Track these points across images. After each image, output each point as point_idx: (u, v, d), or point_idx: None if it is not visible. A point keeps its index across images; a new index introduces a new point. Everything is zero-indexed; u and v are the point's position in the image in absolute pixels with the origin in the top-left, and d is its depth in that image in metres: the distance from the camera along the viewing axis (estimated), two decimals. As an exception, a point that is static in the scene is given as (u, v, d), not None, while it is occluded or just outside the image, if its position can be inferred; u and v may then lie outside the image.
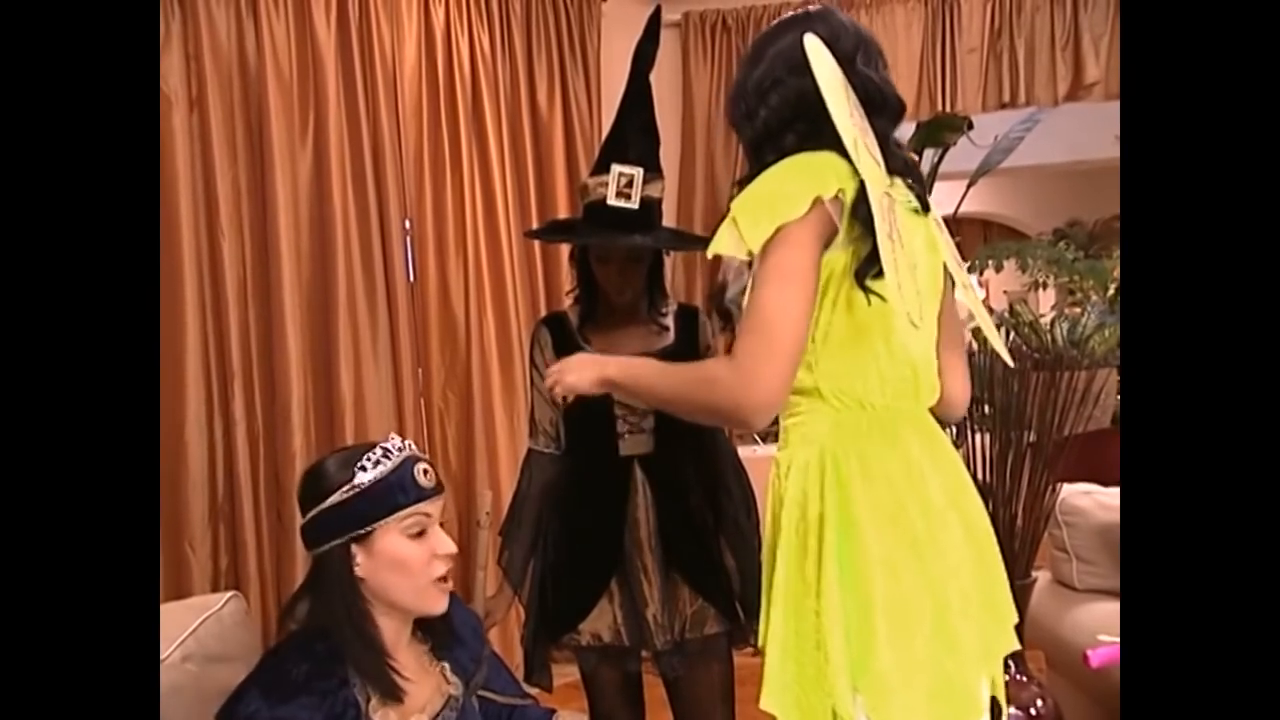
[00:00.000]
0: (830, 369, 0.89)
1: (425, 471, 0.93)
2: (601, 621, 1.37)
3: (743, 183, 0.91)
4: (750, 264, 0.84)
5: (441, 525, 0.94)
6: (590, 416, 1.41)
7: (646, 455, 1.39)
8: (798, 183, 0.84)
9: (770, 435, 3.23)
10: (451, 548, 0.93)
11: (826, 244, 0.85)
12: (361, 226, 2.17)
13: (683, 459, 1.43)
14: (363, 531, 0.89)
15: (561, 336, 1.44)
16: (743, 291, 0.84)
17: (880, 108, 0.90)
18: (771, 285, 0.82)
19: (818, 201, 0.83)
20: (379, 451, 0.91)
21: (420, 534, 0.91)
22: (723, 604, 1.39)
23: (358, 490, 0.89)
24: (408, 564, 0.89)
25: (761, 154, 0.92)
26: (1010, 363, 0.98)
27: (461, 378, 2.30)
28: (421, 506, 0.92)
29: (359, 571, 0.90)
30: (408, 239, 2.28)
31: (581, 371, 1.00)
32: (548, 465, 1.44)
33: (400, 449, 0.93)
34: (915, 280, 0.87)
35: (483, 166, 2.29)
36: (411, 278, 2.28)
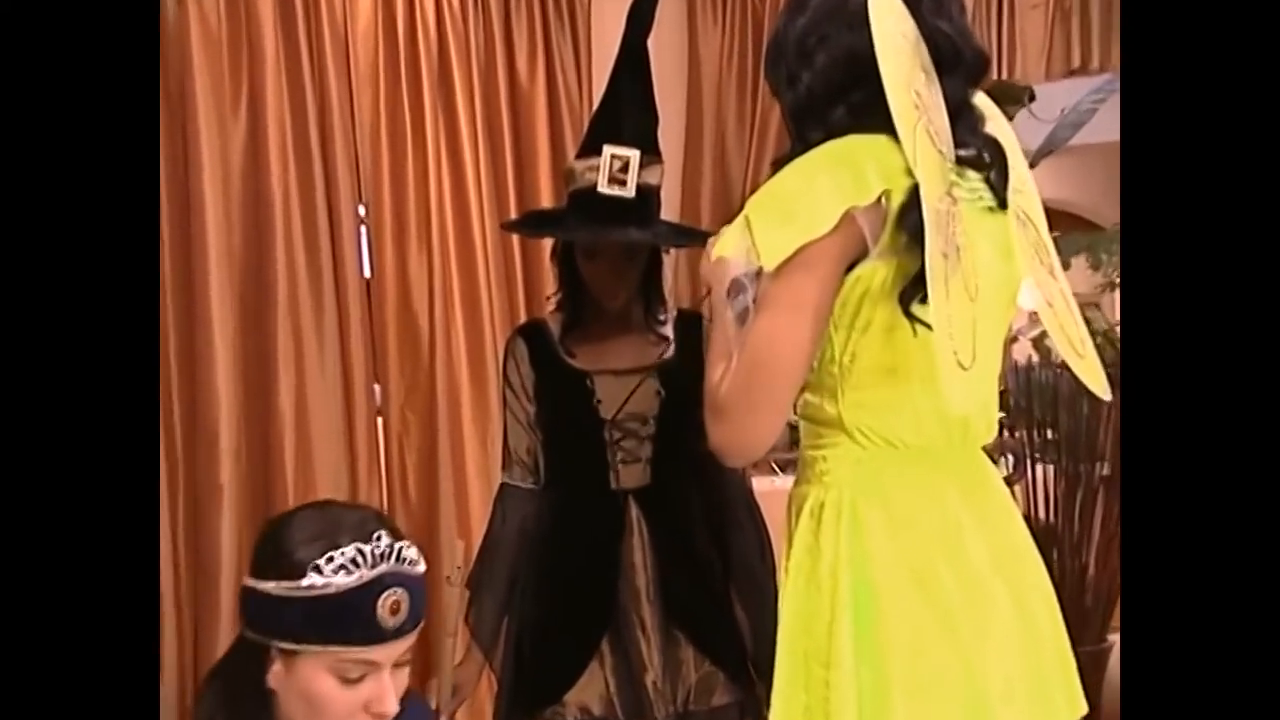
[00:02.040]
0: (858, 400, 0.89)
1: (395, 606, 0.81)
2: (591, 690, 1.36)
3: (779, 163, 0.90)
4: (752, 271, 0.85)
5: (402, 667, 0.84)
6: (577, 443, 1.42)
7: (643, 488, 1.40)
8: (830, 184, 0.83)
9: (791, 465, 3.19)
10: (391, 707, 0.80)
11: (853, 262, 0.86)
12: (305, 213, 2.16)
13: (686, 493, 1.43)
14: (287, 646, 0.79)
15: (540, 349, 1.45)
16: (745, 311, 0.86)
17: (953, 66, 0.87)
18: (782, 316, 0.83)
19: (849, 213, 0.82)
20: (351, 551, 0.80)
21: (358, 679, 0.80)
22: (734, 667, 1.40)
23: (300, 593, 0.78)
24: (323, 709, 0.79)
25: (804, 129, 0.90)
26: (1106, 395, 0.93)
27: (425, 396, 2.30)
28: (370, 652, 0.80)
29: (271, 681, 0.82)
30: (362, 228, 2.29)
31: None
32: (525, 502, 1.45)
33: (380, 556, 0.82)
34: (973, 308, 0.86)
35: (451, 144, 2.29)
36: (366, 274, 2.29)
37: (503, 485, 1.47)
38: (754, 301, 0.85)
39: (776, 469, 2.74)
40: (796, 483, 0.96)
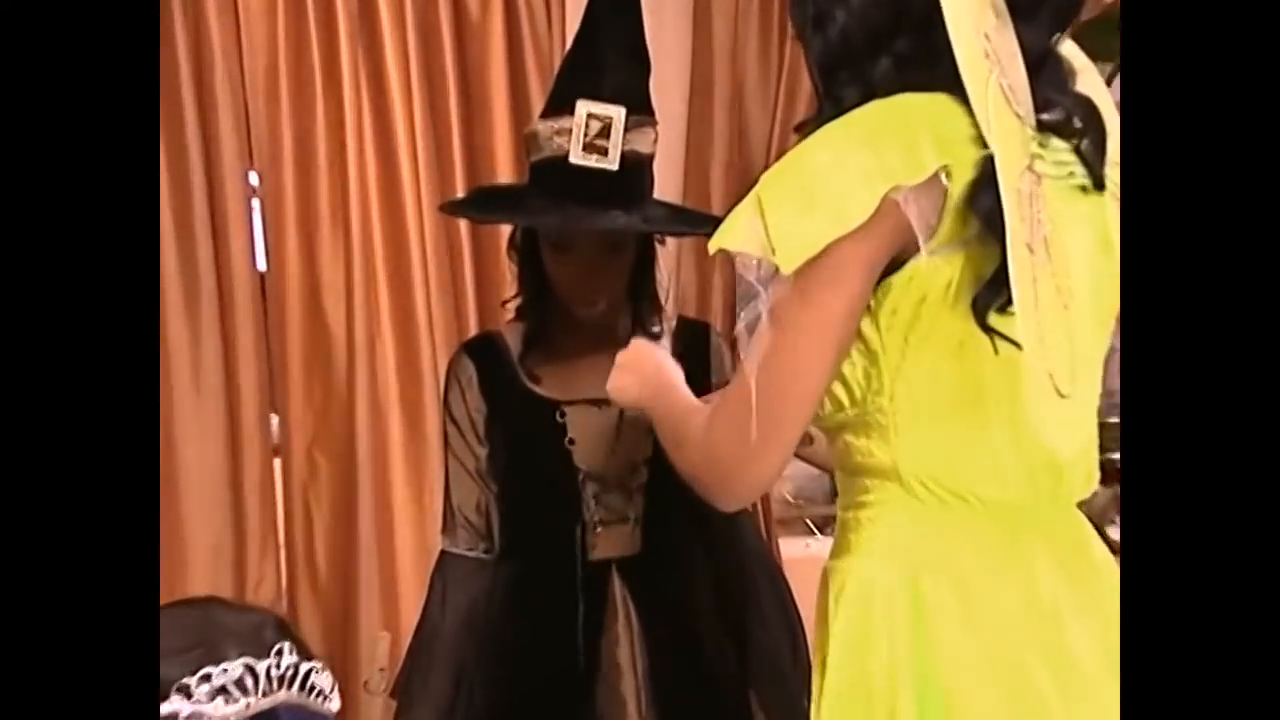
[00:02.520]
0: (918, 442, 0.89)
1: None
2: (560, 837, 1.41)
3: (805, 129, 0.92)
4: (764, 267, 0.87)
5: None
6: (543, 497, 1.44)
7: (632, 559, 1.42)
8: (869, 159, 0.83)
9: (831, 524, 3.16)
10: None
11: (896, 262, 0.87)
12: (176, 185, 2.17)
13: (689, 564, 1.46)
14: None
15: (494, 372, 1.47)
16: (757, 320, 0.87)
17: (1033, 6, 0.86)
18: (801, 335, 0.85)
19: (891, 198, 0.83)
20: (238, 669, 0.75)
21: None
22: None
23: None
24: None
25: (836, 85, 0.91)
26: None
27: (340, 430, 2.31)
28: None
29: None
30: (254, 206, 2.28)
31: (631, 374, 1.14)
32: (473, 577, 1.47)
33: (279, 680, 0.78)
34: (1068, 316, 0.86)
35: (376, 97, 2.30)
36: (261, 267, 2.29)
37: (443, 554, 1.49)
38: (767, 312, 0.86)
39: (813, 529, 2.76)
40: (834, 553, 0.96)
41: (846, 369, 0.90)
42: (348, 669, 2.18)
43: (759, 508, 2.31)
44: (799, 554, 2.52)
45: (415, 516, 2.30)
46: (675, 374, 1.14)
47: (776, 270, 0.85)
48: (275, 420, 2.32)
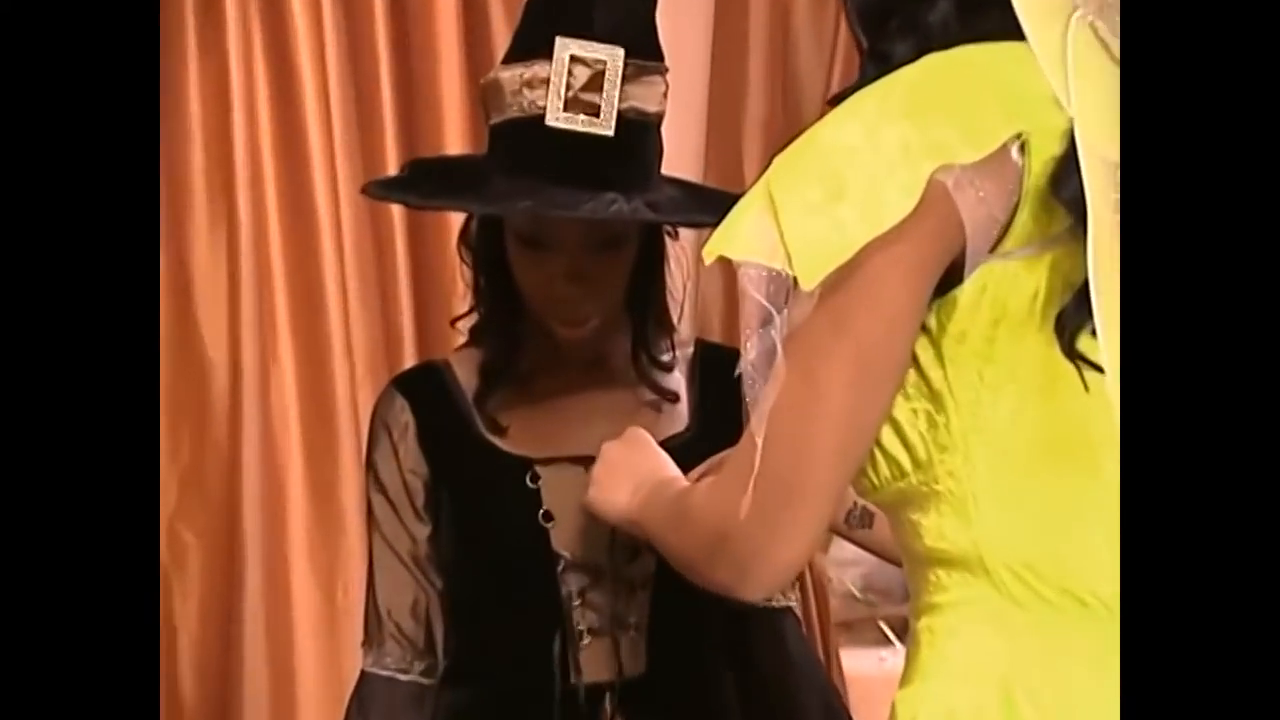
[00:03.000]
0: (1007, 518, 0.92)
1: None
2: None
3: (837, 101, 0.94)
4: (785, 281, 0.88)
5: None
6: (507, 596, 1.45)
7: (631, 683, 1.42)
8: (910, 133, 0.87)
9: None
10: None
11: (959, 269, 0.89)
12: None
13: (709, 688, 1.45)
14: None
15: (439, 417, 1.47)
16: (770, 356, 0.90)
17: None
18: (832, 370, 0.89)
19: (939, 181, 0.86)
20: None
21: None
22: None
23: None
24: None
25: (882, 39, 0.96)
26: None
27: (216, 497, 2.32)
28: None
29: None
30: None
31: (624, 479, 1.20)
32: (405, 708, 1.47)
33: None
34: None
35: (271, 33, 2.34)
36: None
37: (364, 676, 1.49)
38: (783, 341, 0.89)
39: (890, 635, 2.76)
40: (905, 677, 0.97)
41: (903, 417, 0.92)
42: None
43: (812, 605, 2.30)
44: (870, 670, 2.53)
45: (323, 621, 2.31)
46: (671, 468, 1.22)
47: (795, 286, 0.88)
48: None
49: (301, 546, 2.32)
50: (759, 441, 0.90)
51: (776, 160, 0.92)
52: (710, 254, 0.92)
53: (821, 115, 0.94)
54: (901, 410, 0.91)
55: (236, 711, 2.26)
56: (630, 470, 1.22)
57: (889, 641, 2.74)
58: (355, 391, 2.31)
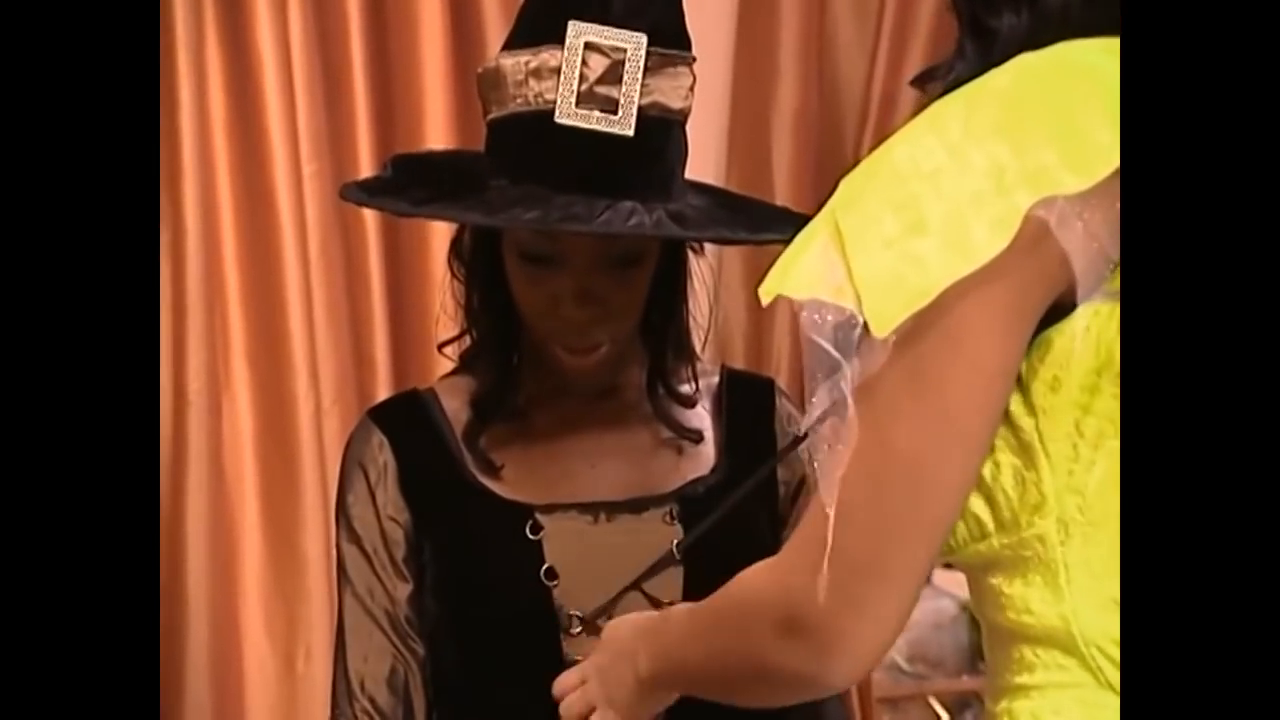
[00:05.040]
0: (1103, 594, 0.91)
1: None
2: None
3: (928, 81, 0.94)
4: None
5: None
6: (502, 665, 1.44)
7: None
8: (1005, 156, 0.86)
9: (970, 705, 3.20)
10: None
11: (1058, 309, 0.90)
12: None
13: None
14: None
15: (423, 456, 1.48)
16: (839, 410, 0.89)
17: None
18: (914, 429, 0.88)
19: (1038, 216, 0.86)
20: None
21: None
22: None
23: None
24: None
25: (988, 12, 0.94)
26: None
27: (164, 545, 2.29)
28: None
29: None
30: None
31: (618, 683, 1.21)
32: None
33: None
34: None
35: (227, 11, 2.36)
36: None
37: None
38: (851, 394, 0.88)
39: (941, 713, 2.77)
40: None
41: (988, 473, 0.93)
42: None
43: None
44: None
45: (281, 693, 2.30)
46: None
47: (865, 331, 0.87)
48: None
49: (256, 605, 2.32)
50: (830, 514, 0.89)
51: (843, 183, 0.92)
52: (768, 293, 0.91)
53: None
54: (985, 465, 0.92)
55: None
56: (619, 651, 1.21)
57: (939, 718, 2.74)
58: (320, 424, 2.31)
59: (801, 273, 0.89)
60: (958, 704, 2.75)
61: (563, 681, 1.24)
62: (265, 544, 2.34)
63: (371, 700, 1.46)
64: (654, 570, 1.42)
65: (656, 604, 1.41)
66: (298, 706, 2.27)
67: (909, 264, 0.86)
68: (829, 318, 0.88)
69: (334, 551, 1.54)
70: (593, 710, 1.20)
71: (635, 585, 1.42)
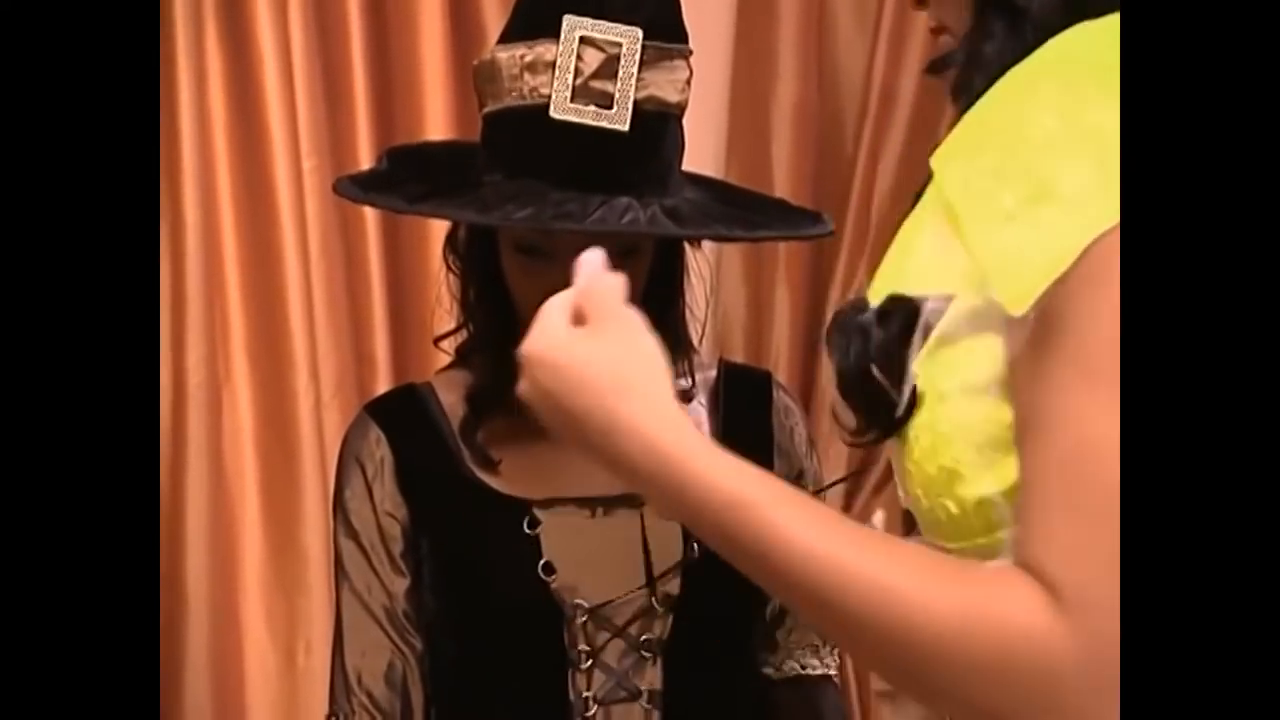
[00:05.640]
0: None
1: None
2: None
3: (945, 67, 0.93)
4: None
5: None
6: (500, 660, 1.45)
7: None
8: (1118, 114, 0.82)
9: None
10: None
11: None
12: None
13: None
14: None
15: (420, 450, 1.48)
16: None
17: None
18: (1098, 393, 0.80)
19: None
20: None
21: None
22: None
23: None
24: None
25: (1016, 2, 0.92)
26: None
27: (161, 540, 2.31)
28: None
29: None
30: None
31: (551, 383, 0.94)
32: None
33: None
34: None
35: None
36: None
37: None
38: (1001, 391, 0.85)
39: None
40: None
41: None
42: None
43: (850, 671, 2.30)
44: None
45: (281, 687, 2.30)
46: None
47: (1001, 314, 0.84)
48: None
49: (256, 599, 2.31)
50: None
51: (938, 163, 0.89)
52: (877, 294, 0.89)
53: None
54: None
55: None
56: (600, 367, 0.95)
57: (941, 715, 2.74)
58: (320, 418, 2.31)
59: (915, 266, 0.88)
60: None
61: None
62: (265, 538, 2.33)
63: (369, 695, 1.47)
64: (669, 571, 1.43)
65: (656, 600, 1.43)
66: (298, 700, 2.27)
67: (1038, 234, 0.82)
68: (956, 307, 0.86)
69: (331, 550, 1.55)
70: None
71: (648, 584, 1.43)
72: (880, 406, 0.91)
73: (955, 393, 0.88)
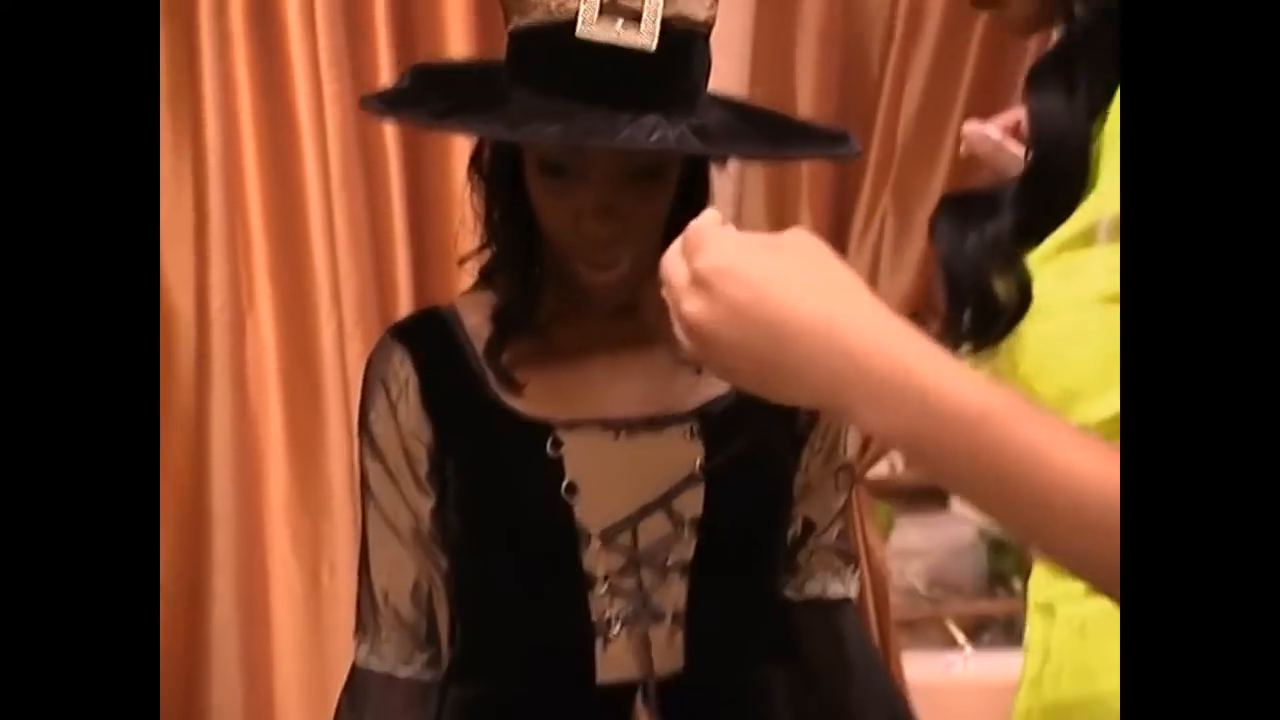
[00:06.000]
0: None
1: None
2: None
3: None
4: None
5: None
6: (524, 580, 1.46)
7: (668, 682, 1.43)
8: None
9: (987, 628, 3.19)
10: None
11: None
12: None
13: (758, 691, 1.48)
14: None
15: (444, 372, 1.49)
16: None
17: None
18: None
19: None
20: None
21: None
22: None
23: None
24: None
25: None
26: None
27: (180, 467, 2.34)
28: None
29: None
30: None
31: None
32: (406, 709, 1.49)
33: None
34: None
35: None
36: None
37: (357, 672, 1.51)
38: None
39: (960, 638, 2.79)
40: (1031, 679, 0.95)
41: None
42: None
43: (869, 601, 2.31)
44: (935, 677, 2.56)
45: (307, 607, 2.32)
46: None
47: None
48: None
49: (281, 521, 2.34)
50: None
51: None
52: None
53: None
54: None
55: (203, 715, 2.28)
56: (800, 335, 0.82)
57: (958, 645, 2.76)
58: (343, 343, 2.32)
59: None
60: (975, 627, 2.77)
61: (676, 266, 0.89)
62: (288, 462, 2.35)
63: (396, 613, 1.48)
64: (679, 489, 1.43)
65: (678, 520, 1.43)
66: (323, 621, 2.30)
67: None
68: (1095, 206, 0.83)
69: (357, 468, 1.55)
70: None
71: (661, 503, 1.43)
72: (985, 307, 0.85)
73: (1078, 302, 0.84)
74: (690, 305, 0.85)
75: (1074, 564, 0.80)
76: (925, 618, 2.79)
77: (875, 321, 0.81)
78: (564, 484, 1.43)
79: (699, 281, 0.85)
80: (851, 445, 1.86)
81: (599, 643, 1.42)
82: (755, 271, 0.83)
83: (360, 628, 1.51)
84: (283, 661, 2.31)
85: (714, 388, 1.46)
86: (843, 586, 1.55)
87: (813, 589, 1.53)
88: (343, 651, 1.56)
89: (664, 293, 0.88)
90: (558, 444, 1.44)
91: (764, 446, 1.45)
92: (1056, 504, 0.77)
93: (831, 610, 1.55)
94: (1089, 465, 0.76)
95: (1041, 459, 0.77)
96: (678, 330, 0.87)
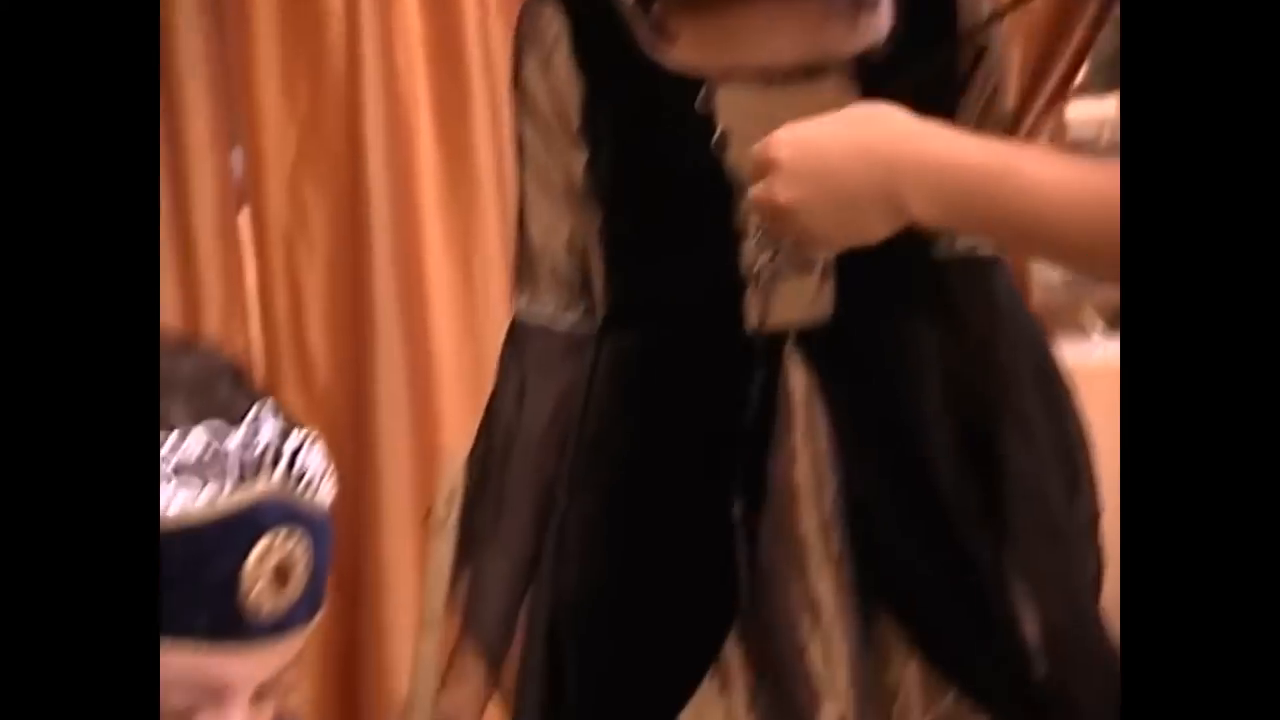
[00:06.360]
0: None
1: (280, 571, 0.83)
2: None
3: None
4: None
5: (266, 699, 0.89)
6: (676, 232, 1.46)
7: (818, 330, 1.44)
8: None
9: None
10: None
11: None
12: None
13: (906, 340, 1.48)
14: None
15: (596, 24, 1.46)
16: None
17: None
18: None
19: None
20: (198, 444, 0.82)
21: (185, 712, 0.84)
22: (1003, 698, 1.44)
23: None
24: None
25: None
26: None
27: (336, 149, 2.37)
28: (215, 663, 0.83)
29: None
30: None
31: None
32: (563, 358, 1.53)
33: (260, 461, 0.84)
34: None
35: None
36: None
37: (517, 324, 1.55)
38: None
39: (1101, 324, 2.80)
40: None
41: None
42: (362, 500, 2.34)
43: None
44: (1071, 362, 2.52)
45: (458, 290, 2.38)
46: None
47: None
48: (238, 154, 2.41)
49: (434, 202, 2.38)
50: None
51: None
52: None
53: None
54: None
55: (369, 379, 2.36)
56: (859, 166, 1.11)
57: (1085, 334, 2.76)
58: (488, 26, 2.32)
59: None
60: (1114, 315, 2.73)
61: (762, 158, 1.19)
62: (439, 146, 2.38)
63: (552, 267, 1.51)
64: None
65: None
66: (474, 304, 2.36)
67: None
68: None
69: (514, 132, 1.54)
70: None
71: None
72: None
73: None
74: (758, 190, 1.10)
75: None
76: (1061, 303, 2.75)
77: (900, 129, 1.09)
78: (715, 136, 1.43)
79: (776, 160, 1.11)
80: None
81: (752, 293, 1.42)
82: (825, 137, 1.12)
83: (519, 282, 1.55)
84: (441, 330, 2.39)
85: (872, 35, 1.44)
86: (988, 245, 1.54)
87: (964, 244, 1.52)
88: (491, 326, 1.65)
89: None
90: (709, 95, 1.43)
91: (920, 94, 1.42)
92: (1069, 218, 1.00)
93: (982, 267, 1.54)
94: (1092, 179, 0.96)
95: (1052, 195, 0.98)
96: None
